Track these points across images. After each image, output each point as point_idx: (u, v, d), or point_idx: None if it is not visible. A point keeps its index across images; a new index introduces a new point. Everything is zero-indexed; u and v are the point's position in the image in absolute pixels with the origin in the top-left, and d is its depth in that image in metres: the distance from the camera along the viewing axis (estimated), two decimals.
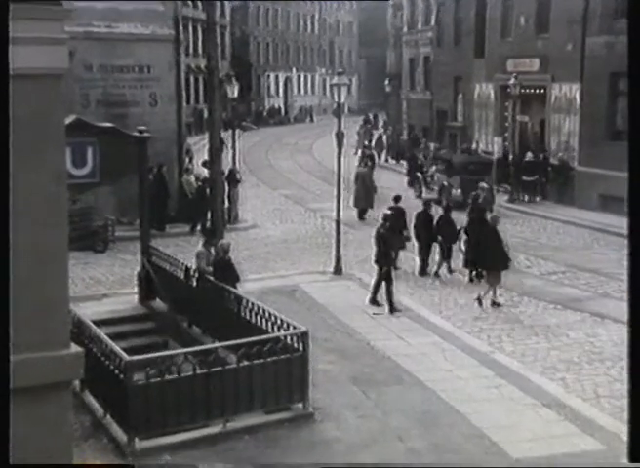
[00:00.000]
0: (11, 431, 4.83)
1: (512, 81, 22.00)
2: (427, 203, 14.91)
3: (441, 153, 24.59)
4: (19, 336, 4.85)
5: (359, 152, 22.61)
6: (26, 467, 4.65)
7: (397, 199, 14.70)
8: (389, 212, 13.00)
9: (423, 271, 13.98)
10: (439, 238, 13.96)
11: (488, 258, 12.26)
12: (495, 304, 12.06)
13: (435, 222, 14.11)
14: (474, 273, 13.42)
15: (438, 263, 14.00)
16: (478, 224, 13.37)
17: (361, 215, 19.25)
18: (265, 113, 54.63)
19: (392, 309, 11.61)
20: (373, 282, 12.16)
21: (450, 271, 13.98)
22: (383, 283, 11.88)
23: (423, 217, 14.21)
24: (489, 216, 13.10)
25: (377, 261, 12.10)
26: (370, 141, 34.96)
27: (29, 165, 4.76)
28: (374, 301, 11.93)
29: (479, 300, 12.05)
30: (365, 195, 19.25)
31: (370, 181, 19.59)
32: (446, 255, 13.97)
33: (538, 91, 23.02)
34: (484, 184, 16.70)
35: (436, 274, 13.89)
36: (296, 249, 16.35)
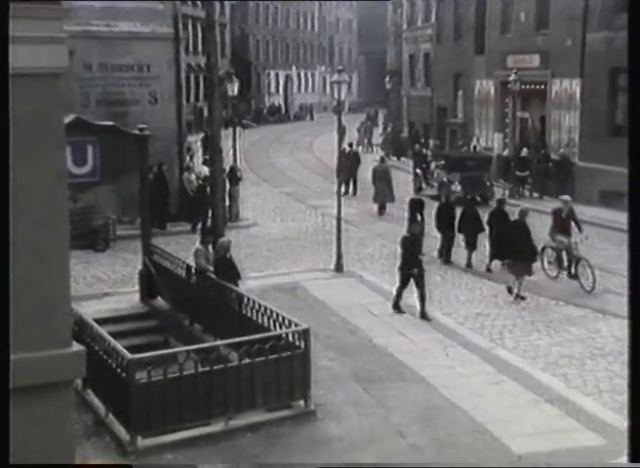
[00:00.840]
0: (12, 430, 4.84)
1: (512, 77, 21.97)
2: (448, 195, 15.32)
3: (445, 151, 24.70)
4: (20, 335, 4.86)
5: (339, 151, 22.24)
6: (26, 467, 4.64)
7: (418, 190, 16.49)
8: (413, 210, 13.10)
9: (447, 261, 14.30)
10: (462, 230, 14.20)
11: (516, 251, 12.29)
12: (519, 297, 12.17)
13: (460, 215, 14.36)
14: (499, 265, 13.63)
15: (468, 256, 14.28)
16: (498, 217, 13.58)
17: (381, 211, 19.64)
18: (265, 111, 54.58)
19: (423, 316, 11.18)
20: (396, 289, 11.52)
21: (469, 263, 14.24)
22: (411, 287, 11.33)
23: (445, 210, 14.50)
24: (518, 210, 13.12)
25: (401, 268, 11.39)
26: (369, 139, 34.98)
27: (29, 164, 4.76)
28: (396, 307, 11.39)
29: (509, 289, 12.25)
30: (386, 190, 19.69)
31: (389, 177, 20.01)
32: (471, 247, 14.20)
33: (538, 87, 22.99)
34: (567, 197, 14.04)
35: (469, 265, 14.18)
36: (297, 246, 16.35)
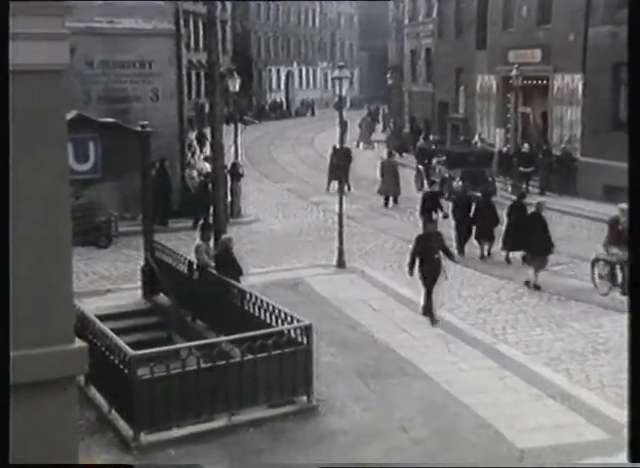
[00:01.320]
0: (16, 427, 4.84)
1: (514, 72, 21.92)
2: (466, 187, 15.51)
3: (446, 147, 24.74)
4: (23, 332, 4.86)
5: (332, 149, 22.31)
6: (26, 467, 4.62)
7: (431, 184, 17.07)
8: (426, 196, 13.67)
9: (461, 253, 14.29)
10: (477, 223, 14.39)
11: (533, 243, 12.39)
12: (536, 287, 12.29)
13: (475, 208, 14.51)
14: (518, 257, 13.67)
15: (480, 246, 14.47)
16: (517, 210, 13.71)
17: (386, 203, 20.13)
18: (267, 107, 54.52)
19: (431, 319, 10.83)
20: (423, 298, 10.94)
21: (489, 254, 14.44)
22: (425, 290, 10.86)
23: (462, 202, 14.69)
24: (535, 203, 13.31)
25: (419, 270, 10.84)
26: (370, 135, 34.91)
27: (31, 161, 4.76)
28: (429, 313, 10.83)
29: (528, 284, 12.36)
30: (392, 183, 20.18)
31: (397, 171, 20.57)
32: (487, 240, 14.37)
33: (540, 82, 22.93)
34: (625, 205, 14.00)
35: (482, 257, 14.39)
36: (298, 242, 16.34)
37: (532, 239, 12.39)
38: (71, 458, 5.28)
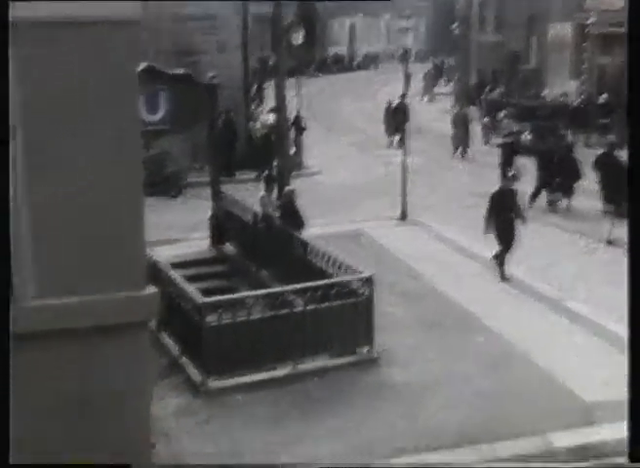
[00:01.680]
0: (93, 369, 5.06)
1: (592, 20, 20.89)
2: (541, 141, 15.87)
3: (515, 99, 24.01)
4: (99, 278, 5.06)
5: (393, 103, 21.99)
6: (26, 467, 4.71)
7: (506, 135, 17.12)
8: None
9: (533, 201, 14.09)
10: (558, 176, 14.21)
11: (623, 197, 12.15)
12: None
13: (556, 161, 14.28)
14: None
15: (552, 197, 14.34)
16: (605, 164, 13.29)
17: (455, 152, 20.40)
18: (329, 60, 53.86)
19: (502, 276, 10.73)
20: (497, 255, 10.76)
21: (568, 208, 14.28)
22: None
23: (543, 155, 14.63)
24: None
25: (494, 229, 10.67)
26: (433, 88, 34.19)
27: (105, 112, 4.88)
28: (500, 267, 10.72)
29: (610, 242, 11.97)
30: (463, 136, 20.28)
31: (467, 122, 20.69)
32: (567, 192, 14.22)
33: (620, 29, 21.77)
34: None
35: (556, 211, 14.25)
36: (360, 194, 16.27)
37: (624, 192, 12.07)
38: (145, 400, 5.50)
